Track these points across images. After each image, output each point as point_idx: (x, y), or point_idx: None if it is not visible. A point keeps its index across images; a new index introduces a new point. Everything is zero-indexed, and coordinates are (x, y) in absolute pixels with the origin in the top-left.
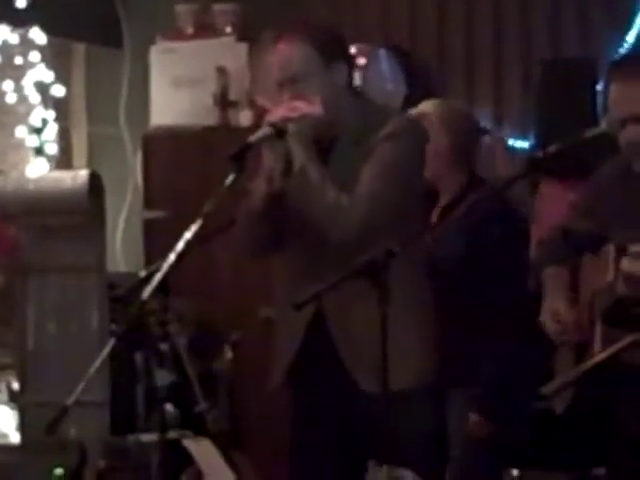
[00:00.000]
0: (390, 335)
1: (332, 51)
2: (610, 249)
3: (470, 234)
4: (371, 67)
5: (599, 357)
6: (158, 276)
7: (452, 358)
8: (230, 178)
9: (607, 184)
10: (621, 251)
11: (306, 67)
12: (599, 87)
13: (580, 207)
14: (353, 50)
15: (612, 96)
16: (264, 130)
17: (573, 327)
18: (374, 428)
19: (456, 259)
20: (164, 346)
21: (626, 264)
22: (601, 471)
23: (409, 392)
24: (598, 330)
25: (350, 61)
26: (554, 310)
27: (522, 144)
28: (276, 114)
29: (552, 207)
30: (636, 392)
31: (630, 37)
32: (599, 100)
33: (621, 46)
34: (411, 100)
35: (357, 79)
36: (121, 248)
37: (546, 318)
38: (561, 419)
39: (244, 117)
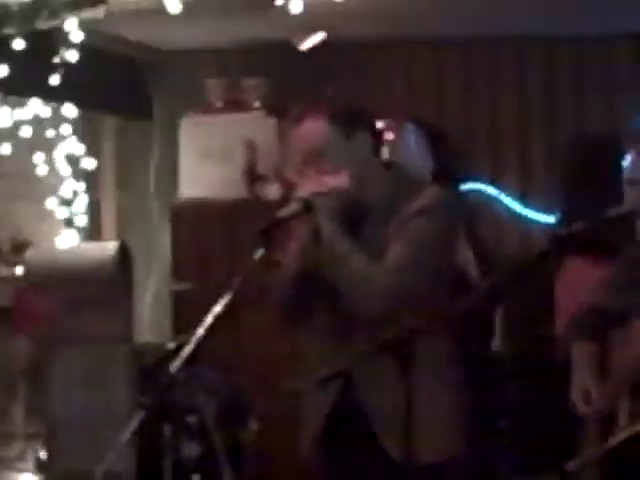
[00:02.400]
0: (419, 407)
1: (352, 123)
2: (638, 323)
3: None
4: (399, 142)
5: (625, 434)
6: (187, 349)
7: None
8: (258, 252)
9: (636, 260)
10: None
11: (327, 142)
12: (624, 162)
13: (613, 284)
14: (380, 125)
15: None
16: (293, 205)
17: (601, 401)
18: None
19: None
20: (191, 417)
21: None
22: None
23: (440, 465)
24: (625, 403)
25: (374, 129)
26: (584, 388)
27: (548, 219)
28: (304, 189)
29: (576, 283)
30: None
31: None
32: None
33: None
34: (438, 175)
35: (386, 154)
36: (148, 318)
37: (576, 395)
38: None
39: (272, 191)
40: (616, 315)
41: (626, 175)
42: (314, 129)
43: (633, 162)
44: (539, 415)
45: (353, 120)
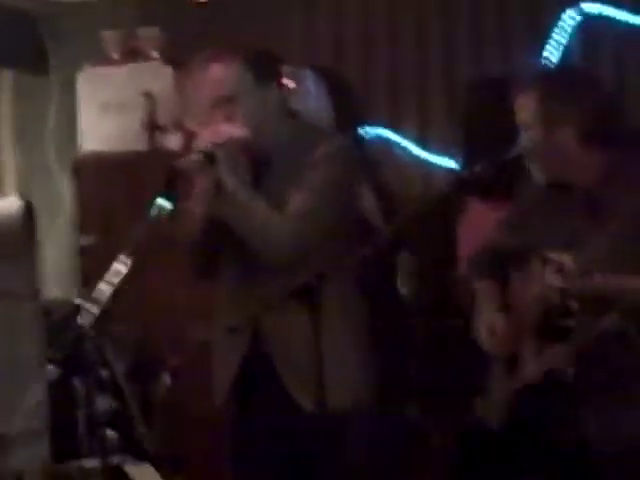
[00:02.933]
0: (327, 354)
1: (264, 72)
2: (536, 263)
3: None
4: (299, 89)
5: (531, 374)
6: (96, 308)
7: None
8: (160, 203)
9: (531, 200)
10: (545, 264)
11: (237, 87)
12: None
13: (508, 224)
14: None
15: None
16: (193, 156)
17: (506, 339)
18: (319, 448)
19: None
20: (103, 371)
21: (550, 276)
22: None
23: (349, 411)
24: (528, 343)
25: (281, 77)
26: (488, 323)
27: (448, 163)
28: (203, 140)
29: (477, 226)
30: (566, 404)
31: (551, 55)
32: None
33: (543, 64)
34: (338, 122)
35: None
36: (54, 274)
37: (480, 331)
38: (497, 435)
39: (173, 141)
40: (512, 254)
41: (517, 120)
42: (227, 73)
43: (521, 107)
44: (447, 356)
45: (265, 69)
